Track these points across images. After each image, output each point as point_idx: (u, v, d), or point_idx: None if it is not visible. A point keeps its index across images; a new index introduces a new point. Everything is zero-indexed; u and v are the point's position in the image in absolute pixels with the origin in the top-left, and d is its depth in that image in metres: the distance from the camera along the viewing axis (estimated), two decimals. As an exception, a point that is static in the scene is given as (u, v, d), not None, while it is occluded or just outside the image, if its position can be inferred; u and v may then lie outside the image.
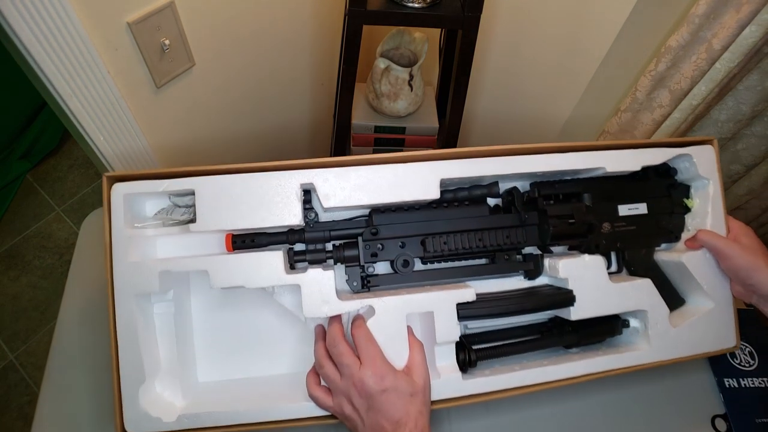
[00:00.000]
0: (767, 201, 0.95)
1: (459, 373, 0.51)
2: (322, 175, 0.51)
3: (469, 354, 0.53)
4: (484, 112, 1.20)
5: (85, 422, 0.57)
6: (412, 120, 0.95)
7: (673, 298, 0.59)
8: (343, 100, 0.86)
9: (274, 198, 0.51)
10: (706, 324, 0.57)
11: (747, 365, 0.63)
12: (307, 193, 0.52)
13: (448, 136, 0.92)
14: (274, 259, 0.50)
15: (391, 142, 0.96)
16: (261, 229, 0.51)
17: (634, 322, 0.58)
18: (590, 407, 0.60)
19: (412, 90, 0.90)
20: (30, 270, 1.49)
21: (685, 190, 0.60)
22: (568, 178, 0.58)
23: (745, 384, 0.62)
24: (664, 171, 0.59)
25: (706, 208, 0.58)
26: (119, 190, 0.50)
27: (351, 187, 0.51)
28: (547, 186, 0.56)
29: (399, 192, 0.52)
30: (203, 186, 0.50)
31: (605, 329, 0.57)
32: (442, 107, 0.98)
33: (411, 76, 0.88)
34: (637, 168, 0.56)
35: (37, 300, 1.44)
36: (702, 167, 0.58)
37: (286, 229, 0.53)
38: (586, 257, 0.55)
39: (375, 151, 0.98)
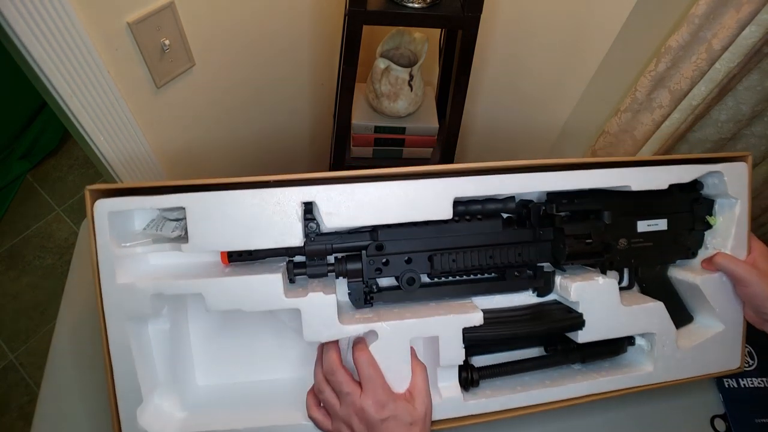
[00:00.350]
0: (767, 201, 0.95)
1: (461, 394, 0.50)
2: (325, 192, 0.48)
3: (472, 374, 0.52)
4: (484, 111, 1.20)
5: (86, 422, 0.57)
6: (412, 120, 0.95)
7: (681, 315, 0.58)
8: (343, 100, 0.85)
9: (272, 217, 0.47)
10: (714, 346, 0.56)
11: (746, 365, 0.63)
12: (308, 203, 0.50)
13: (448, 136, 0.92)
14: (272, 282, 0.47)
15: (391, 142, 0.96)
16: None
17: (639, 340, 0.57)
18: (590, 407, 0.60)
19: (412, 90, 0.90)
20: (30, 270, 1.49)
21: (708, 206, 0.57)
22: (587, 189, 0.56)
23: (744, 384, 0.62)
24: (690, 185, 0.57)
25: (730, 229, 0.55)
26: (103, 207, 0.46)
27: (356, 206, 0.48)
28: (566, 203, 0.53)
29: (408, 211, 0.49)
30: (195, 203, 0.47)
31: (611, 349, 0.56)
32: (442, 107, 0.98)
33: (411, 76, 0.88)
34: (664, 186, 0.53)
35: (37, 300, 1.44)
36: (732, 186, 0.54)
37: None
38: (600, 280, 0.52)
39: (375, 152, 0.98)
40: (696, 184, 0.57)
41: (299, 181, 0.49)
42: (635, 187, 0.52)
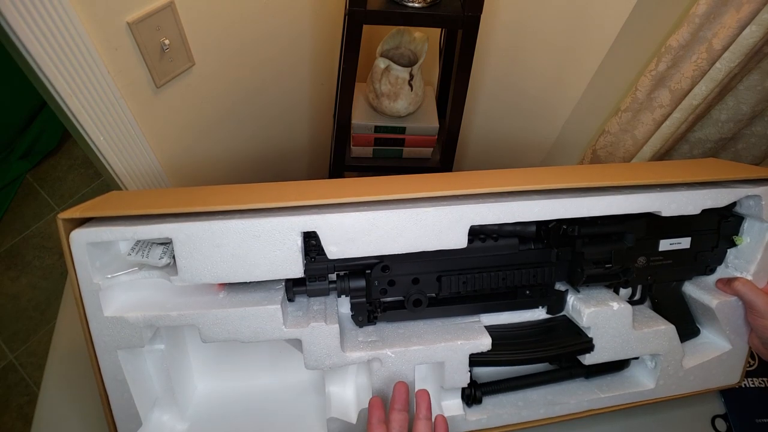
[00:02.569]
0: (767, 201, 0.95)
1: (463, 411, 0.50)
2: (328, 221, 0.44)
3: (475, 391, 0.51)
4: (484, 110, 1.20)
5: (85, 422, 0.57)
6: (412, 120, 0.95)
7: (689, 329, 0.57)
8: (343, 100, 0.85)
9: (269, 248, 0.44)
10: (718, 364, 0.56)
11: (747, 365, 0.63)
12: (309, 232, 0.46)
13: (448, 136, 0.92)
14: (270, 313, 0.45)
15: (391, 141, 0.96)
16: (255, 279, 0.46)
17: (644, 356, 0.56)
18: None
19: (412, 90, 0.90)
20: (30, 270, 1.49)
21: (737, 224, 0.54)
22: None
23: (745, 384, 0.62)
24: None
25: (756, 254, 0.53)
26: (80, 238, 0.43)
27: (361, 236, 0.44)
28: (588, 223, 0.50)
29: (420, 241, 0.45)
30: (183, 234, 0.43)
31: (615, 365, 0.56)
32: (443, 107, 0.98)
33: (411, 76, 0.88)
34: (697, 212, 0.50)
35: (37, 300, 1.44)
36: None
37: None
38: (615, 306, 0.51)
39: (375, 151, 0.98)
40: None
41: (299, 208, 0.45)
42: (666, 213, 0.49)
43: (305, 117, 1.15)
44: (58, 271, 1.49)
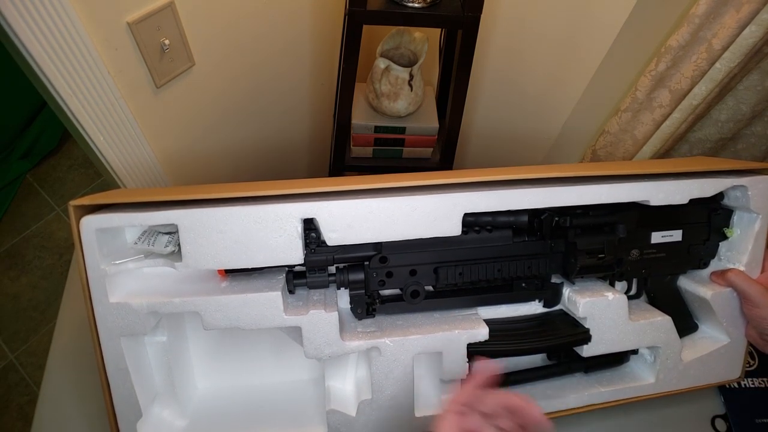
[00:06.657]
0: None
1: None
2: (327, 207, 0.45)
3: None
4: (484, 111, 1.20)
5: (85, 422, 0.57)
6: (412, 120, 0.95)
7: (687, 324, 0.57)
8: (343, 99, 0.85)
9: (271, 235, 0.45)
10: (717, 358, 0.56)
11: (747, 365, 0.63)
12: (309, 219, 0.47)
13: (448, 136, 0.92)
14: (271, 300, 0.46)
15: (391, 142, 0.96)
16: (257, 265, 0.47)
17: (643, 350, 0.56)
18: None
19: (412, 90, 0.90)
20: (30, 270, 1.49)
21: (726, 216, 0.55)
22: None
23: (745, 384, 0.62)
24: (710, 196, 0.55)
25: (747, 244, 0.54)
26: (90, 224, 0.44)
27: (360, 223, 0.46)
28: (580, 214, 0.51)
29: (415, 228, 0.46)
30: (187, 220, 0.44)
31: (614, 359, 0.56)
32: (442, 107, 0.98)
33: (411, 76, 0.88)
34: (685, 201, 0.51)
35: (37, 300, 1.44)
36: (755, 201, 0.52)
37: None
38: (610, 296, 0.51)
39: (375, 151, 0.98)
40: (716, 195, 0.55)
41: (299, 195, 0.46)
42: (654, 202, 0.50)
43: (305, 117, 1.15)
44: (58, 271, 1.49)
